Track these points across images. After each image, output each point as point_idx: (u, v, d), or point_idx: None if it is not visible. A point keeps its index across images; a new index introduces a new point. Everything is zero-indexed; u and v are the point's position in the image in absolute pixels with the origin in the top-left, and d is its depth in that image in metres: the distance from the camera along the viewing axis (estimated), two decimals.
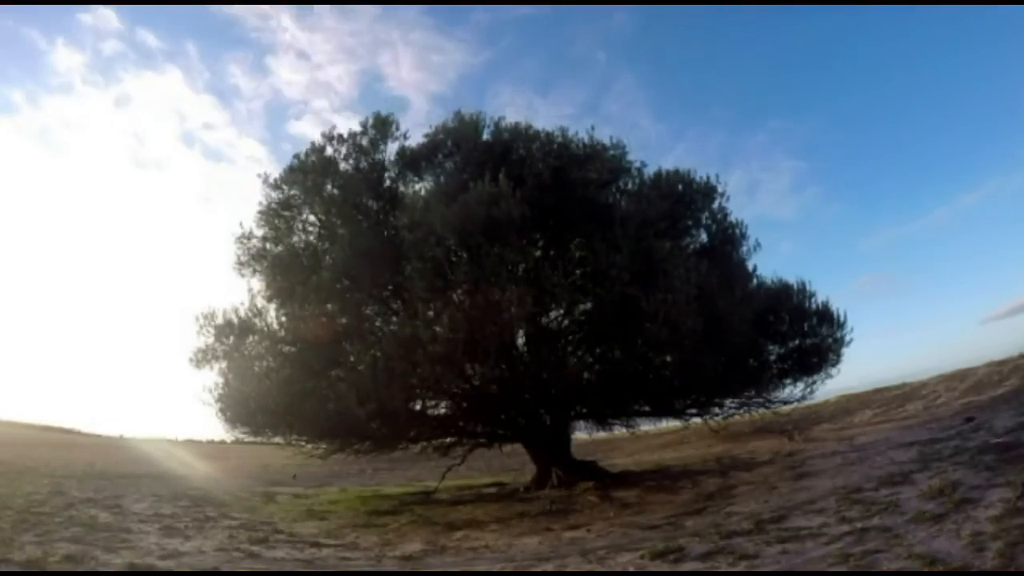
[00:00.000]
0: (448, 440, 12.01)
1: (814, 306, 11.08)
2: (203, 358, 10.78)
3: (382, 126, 11.31)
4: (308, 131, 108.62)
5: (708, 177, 11.28)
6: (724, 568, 4.23)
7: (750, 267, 11.30)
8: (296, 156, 11.29)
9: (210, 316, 10.86)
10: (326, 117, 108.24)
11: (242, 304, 10.78)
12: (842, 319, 11.02)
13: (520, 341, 10.72)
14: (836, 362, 11.14)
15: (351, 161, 11.10)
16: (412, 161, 11.30)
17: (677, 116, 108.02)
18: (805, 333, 11.07)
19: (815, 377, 11.20)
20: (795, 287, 11.24)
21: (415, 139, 11.51)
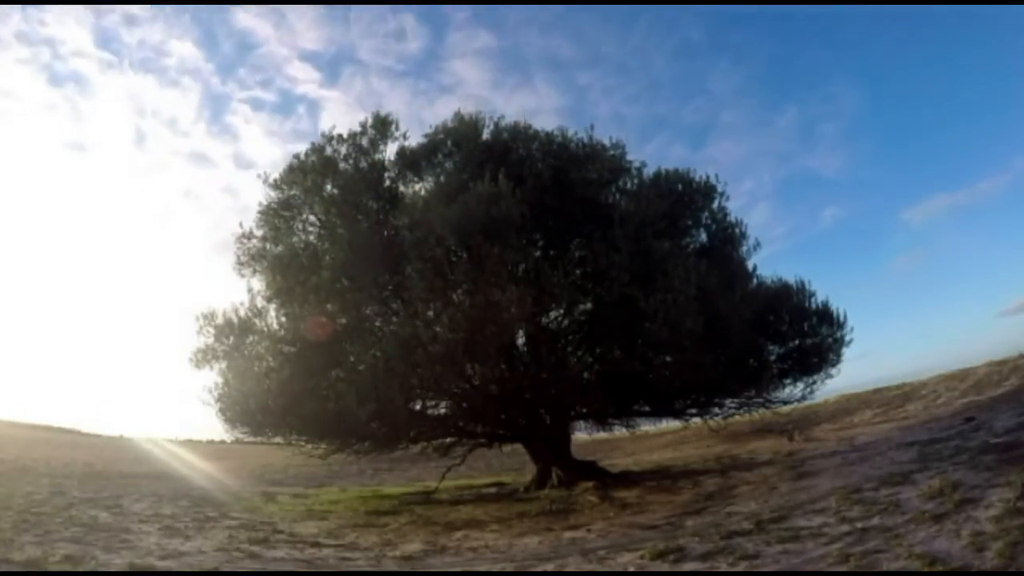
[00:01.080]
0: (448, 440, 12.02)
1: (814, 306, 11.08)
2: (203, 358, 10.79)
3: (382, 126, 11.33)
4: (253, 26, 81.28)
5: (708, 177, 11.36)
6: (724, 568, 4.23)
7: (750, 267, 11.31)
8: (296, 156, 11.35)
9: (210, 316, 10.87)
10: None
11: (242, 304, 10.79)
12: (842, 319, 11.03)
13: (520, 341, 10.73)
14: (836, 362, 11.14)
15: (351, 161, 11.11)
16: (412, 161, 11.31)
17: (723, 12, 78.70)
18: (805, 333, 11.06)
19: (815, 377, 11.20)
20: (795, 287, 11.24)
21: (415, 139, 11.56)
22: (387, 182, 11.27)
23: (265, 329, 10.47)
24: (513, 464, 15.62)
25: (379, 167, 11.22)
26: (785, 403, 11.64)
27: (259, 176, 11.47)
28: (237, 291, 15.89)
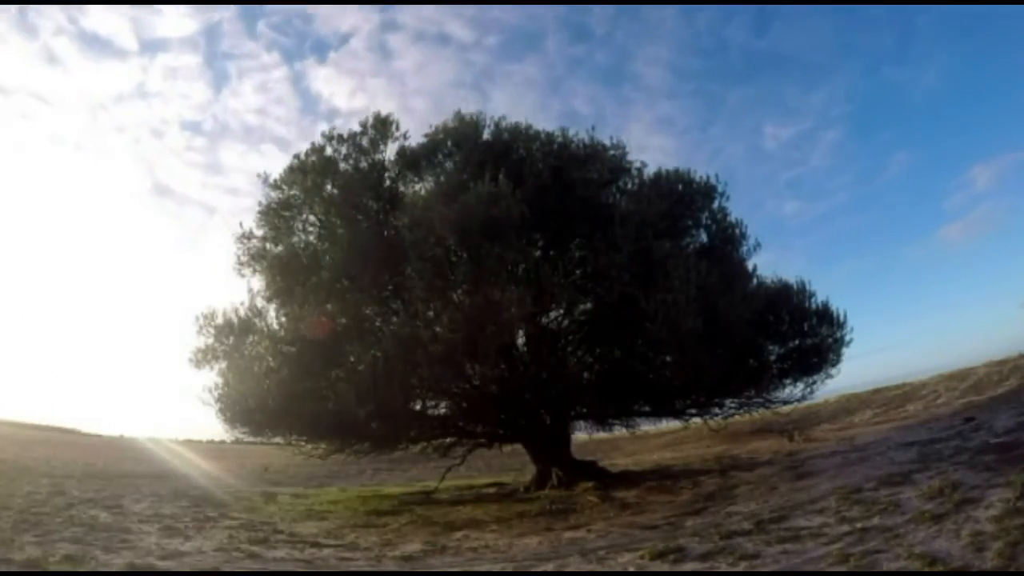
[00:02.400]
0: (448, 440, 12.02)
1: (814, 306, 11.08)
2: (203, 358, 10.79)
3: (382, 126, 11.33)
4: None
5: (708, 177, 11.38)
6: (724, 568, 4.23)
7: (750, 267, 11.32)
8: (296, 156, 11.34)
9: (210, 316, 10.88)
10: None
11: (242, 304, 10.81)
12: (842, 319, 11.03)
13: (520, 341, 10.72)
14: (836, 362, 11.14)
15: (351, 161, 11.12)
16: (412, 161, 11.32)
17: None
18: (805, 333, 11.06)
19: (815, 377, 11.21)
20: (795, 287, 11.25)
21: (415, 139, 11.58)
22: (387, 182, 11.28)
23: (265, 329, 10.48)
24: (513, 464, 15.62)
25: (379, 167, 11.23)
26: (785, 403, 11.64)
27: (259, 176, 11.49)
28: (237, 290, 15.91)
